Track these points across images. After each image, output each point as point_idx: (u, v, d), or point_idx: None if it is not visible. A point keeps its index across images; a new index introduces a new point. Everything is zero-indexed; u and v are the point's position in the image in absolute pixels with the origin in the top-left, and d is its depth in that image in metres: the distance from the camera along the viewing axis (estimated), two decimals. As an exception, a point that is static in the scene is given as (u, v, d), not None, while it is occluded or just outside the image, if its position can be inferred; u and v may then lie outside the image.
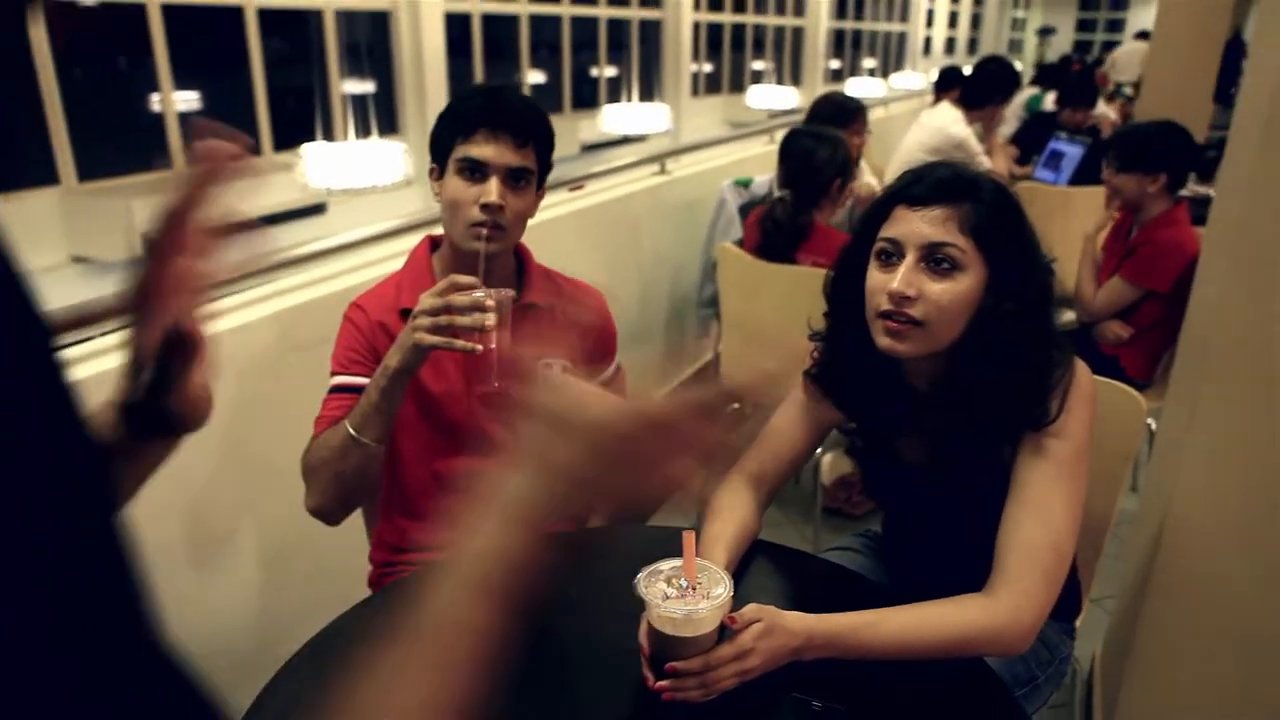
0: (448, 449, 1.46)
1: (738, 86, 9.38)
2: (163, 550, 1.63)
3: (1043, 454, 1.13)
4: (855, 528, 1.62)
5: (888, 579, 1.46)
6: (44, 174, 4.90)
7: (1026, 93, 6.45)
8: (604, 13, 8.39)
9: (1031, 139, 4.77)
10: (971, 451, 1.21)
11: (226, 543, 1.76)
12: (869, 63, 11.34)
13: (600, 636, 1.11)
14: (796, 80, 9.89)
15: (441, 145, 1.40)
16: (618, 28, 8.50)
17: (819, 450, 2.29)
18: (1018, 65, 4.86)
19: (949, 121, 3.68)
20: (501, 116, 1.35)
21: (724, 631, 1.00)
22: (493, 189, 1.34)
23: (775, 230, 2.36)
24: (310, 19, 6.35)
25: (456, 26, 7.27)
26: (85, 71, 5.81)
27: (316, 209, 5.63)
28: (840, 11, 10.45)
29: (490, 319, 1.17)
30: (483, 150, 1.35)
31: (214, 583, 1.74)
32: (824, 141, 2.38)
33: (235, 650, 1.78)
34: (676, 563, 1.01)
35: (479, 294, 1.18)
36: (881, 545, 1.54)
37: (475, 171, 1.36)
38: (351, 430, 1.27)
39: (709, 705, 0.97)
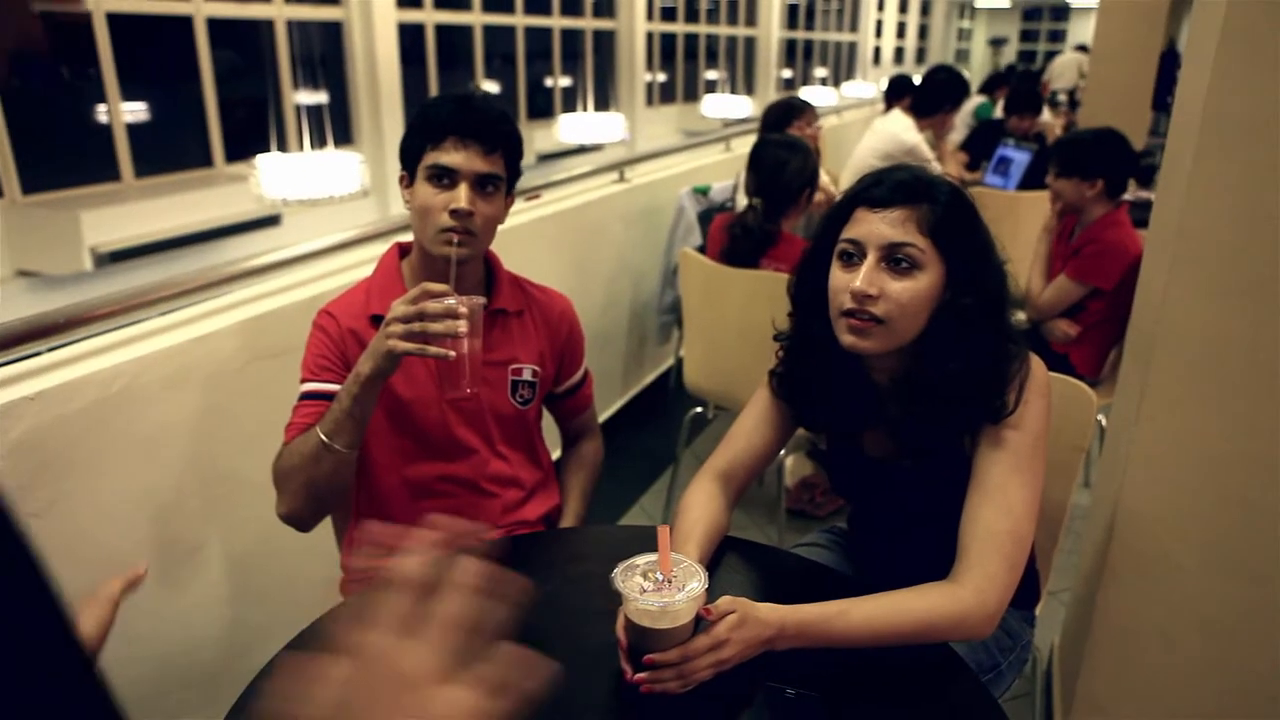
0: (419, 455, 1.47)
1: (692, 96, 9.47)
2: (128, 562, 1.61)
3: (1001, 445, 1.17)
4: (819, 528, 1.66)
5: (854, 574, 1.49)
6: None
7: (975, 101, 6.60)
8: (558, 23, 8.42)
9: (980, 145, 4.89)
10: (933, 444, 1.25)
11: (194, 554, 1.74)
12: (820, 72, 11.52)
13: (577, 632, 1.13)
14: (750, 89, 10.02)
15: (411, 152, 1.41)
16: (572, 37, 8.54)
17: (781, 453, 2.33)
18: (966, 73, 4.98)
19: (901, 129, 3.76)
20: (470, 124, 1.36)
21: (700, 624, 1.02)
22: (462, 195, 1.36)
23: (744, 236, 2.40)
24: (261, 29, 6.29)
25: (410, 36, 7.25)
26: (29, 82, 5.70)
27: (271, 220, 5.58)
28: (791, 21, 10.61)
29: (463, 325, 1.18)
30: (452, 157, 1.36)
31: (183, 594, 1.72)
32: (795, 151, 2.42)
33: (205, 662, 1.76)
34: (652, 557, 1.03)
35: (451, 301, 1.19)
36: (847, 540, 1.57)
37: (444, 178, 1.37)
38: (323, 436, 1.27)
39: (686, 696, 0.99)
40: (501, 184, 1.41)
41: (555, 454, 1.75)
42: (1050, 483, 1.54)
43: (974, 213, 1.21)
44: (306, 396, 1.40)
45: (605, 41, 8.23)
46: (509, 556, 1.37)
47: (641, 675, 0.99)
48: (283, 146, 6.00)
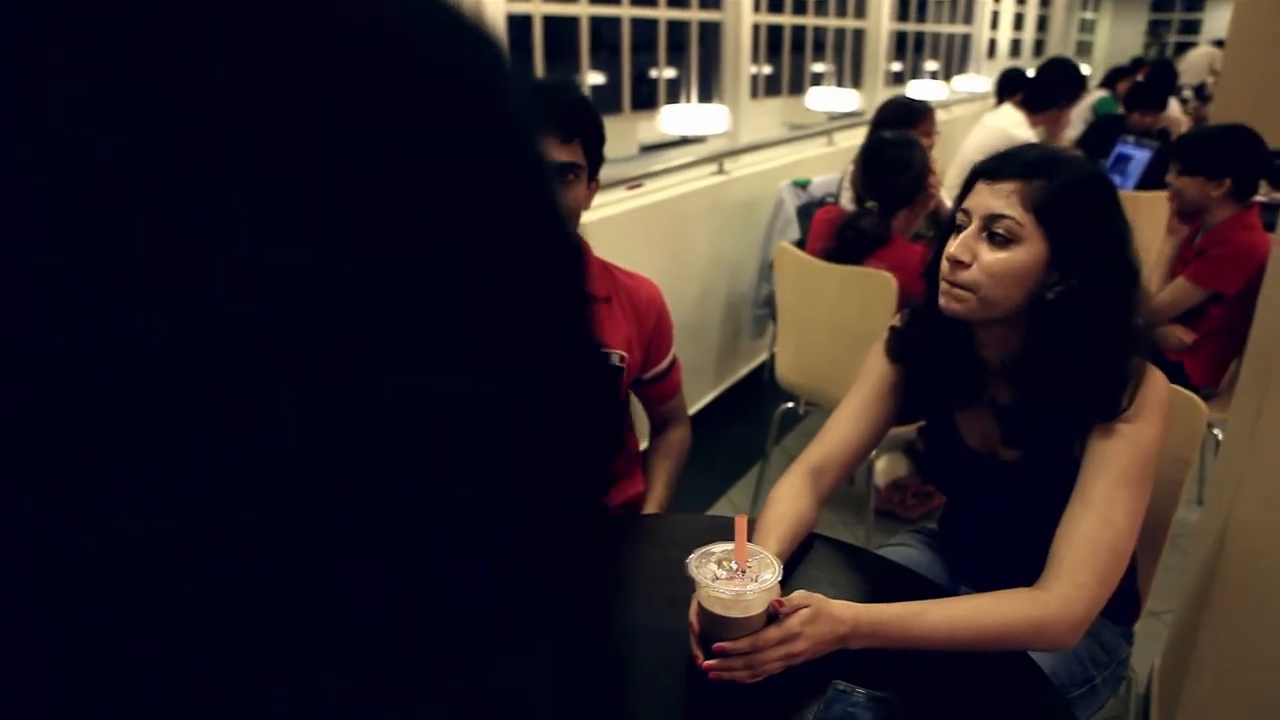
0: None
1: (797, 89, 9.35)
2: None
3: (1111, 455, 1.13)
4: (907, 529, 1.63)
5: (943, 574, 1.46)
6: None
7: (1095, 95, 6.32)
8: (664, 14, 8.43)
9: (1097, 142, 4.68)
10: (1036, 436, 1.22)
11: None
12: (931, 65, 11.22)
13: (652, 615, 1.14)
14: (857, 83, 9.82)
15: None
16: (677, 29, 8.54)
17: (873, 452, 2.29)
18: (1085, 68, 4.77)
19: (1011, 123, 3.63)
20: (547, 114, 1.36)
21: (773, 617, 1.01)
22: None
23: (857, 239, 2.34)
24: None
25: (518, 28, 7.37)
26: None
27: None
28: (902, 13, 10.36)
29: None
30: None
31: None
32: (913, 150, 2.36)
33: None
34: (728, 546, 1.03)
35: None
36: (937, 541, 1.54)
37: None
38: None
39: (754, 687, 0.99)
40: (581, 171, 1.41)
41: (644, 445, 1.76)
42: (1154, 495, 1.47)
43: (1104, 200, 1.18)
44: None
45: (711, 33, 8.21)
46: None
47: (711, 662, 0.99)
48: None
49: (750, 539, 1.22)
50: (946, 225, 1.25)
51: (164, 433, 0.23)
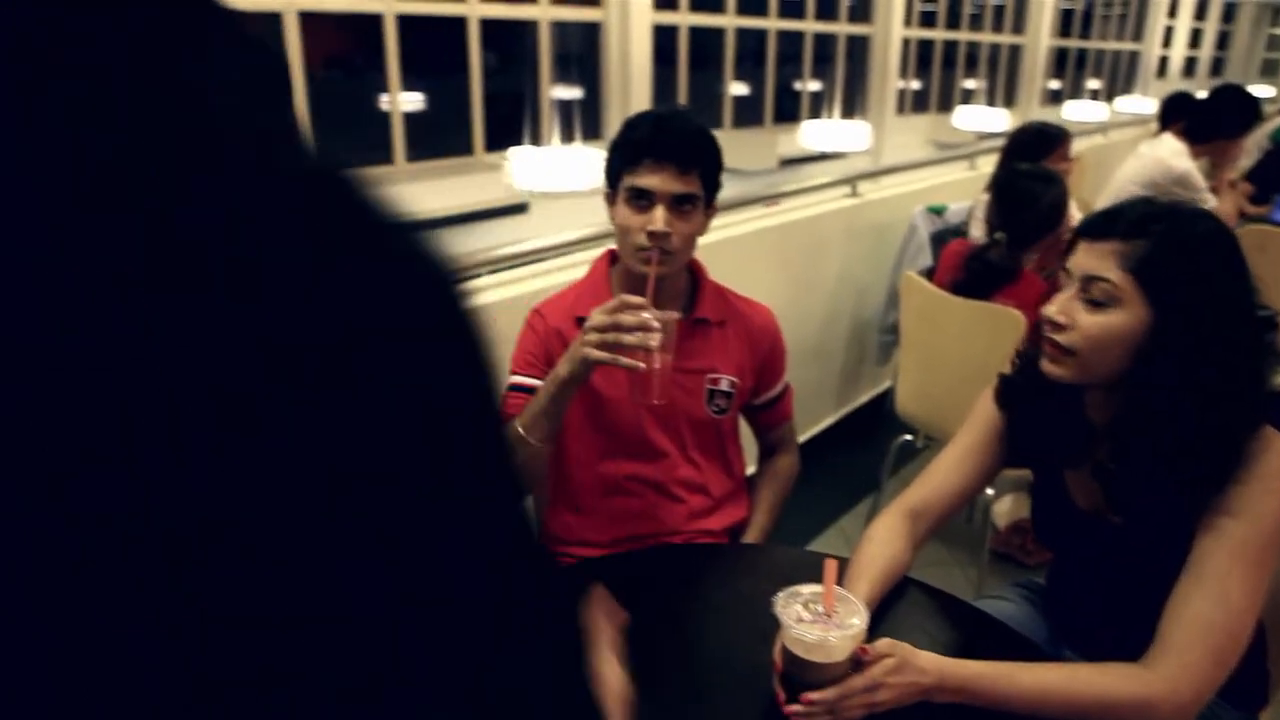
0: (612, 452, 1.53)
1: (946, 105, 9.07)
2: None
3: (1228, 529, 1.07)
4: (1023, 577, 1.57)
5: (1045, 634, 1.41)
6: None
7: (1275, 122, 5.86)
8: (811, 27, 8.33)
9: (1272, 175, 4.35)
10: (1143, 503, 1.16)
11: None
12: (1093, 84, 10.67)
13: (739, 646, 1.15)
14: (1010, 101, 9.44)
15: (612, 172, 1.46)
16: (824, 42, 8.44)
17: (991, 491, 2.22)
18: (1270, 90, 4.42)
19: (1169, 154, 3.42)
20: (665, 146, 1.39)
21: (857, 664, 1.01)
22: (658, 217, 1.40)
23: (983, 271, 2.28)
24: (526, 29, 6.70)
25: (664, 36, 7.45)
26: (327, 74, 6.40)
27: (519, 208, 5.95)
28: (1064, 29, 9.90)
29: (654, 339, 1.23)
30: (648, 179, 1.40)
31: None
32: (1049, 184, 2.28)
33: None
34: (817, 588, 1.03)
35: (646, 315, 1.24)
36: (1042, 598, 1.48)
37: (642, 199, 1.41)
38: (520, 429, 1.37)
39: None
40: (699, 201, 1.44)
41: (751, 469, 1.76)
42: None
43: (1216, 259, 1.10)
44: (511, 389, 1.50)
45: (859, 46, 8.07)
46: (688, 564, 1.41)
47: (794, 707, 0.99)
48: (536, 139, 6.38)
49: (841, 579, 1.22)
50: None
51: (164, 433, 0.23)
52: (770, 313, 1.64)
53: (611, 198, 1.48)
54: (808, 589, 1.04)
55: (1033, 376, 1.25)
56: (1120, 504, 1.20)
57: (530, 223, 5.89)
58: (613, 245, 1.56)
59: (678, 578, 1.35)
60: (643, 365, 1.24)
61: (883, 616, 1.22)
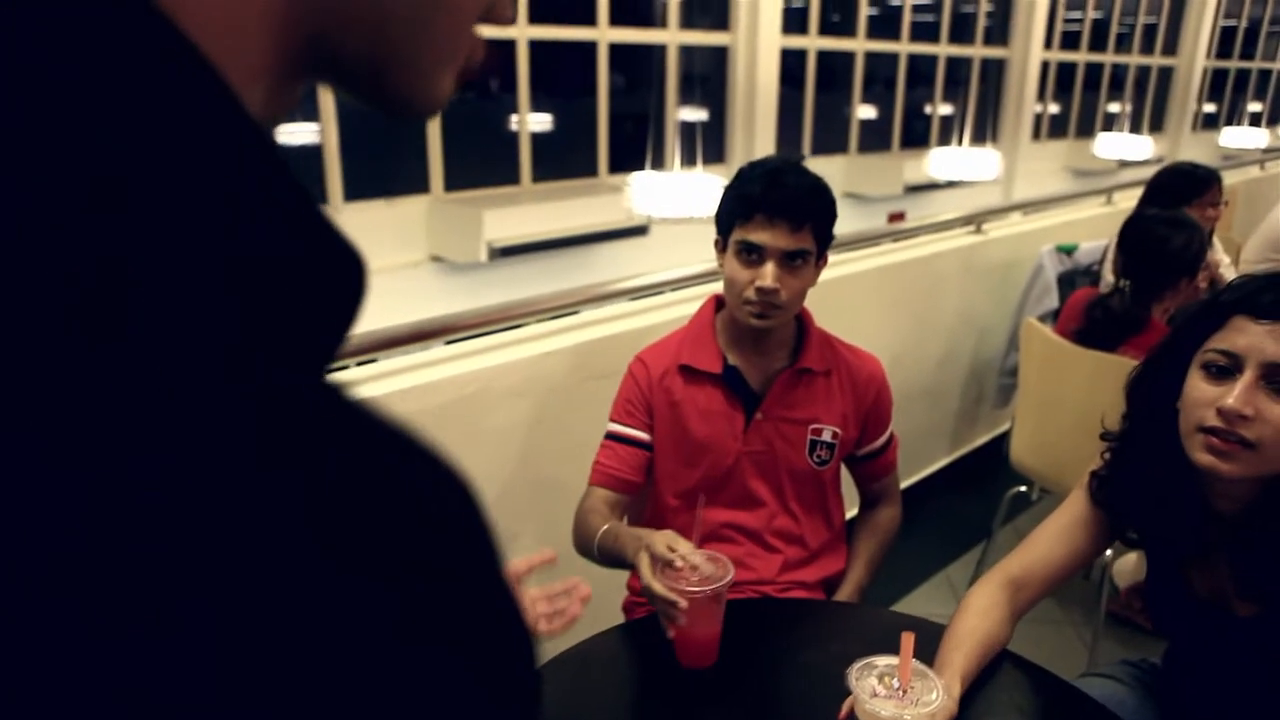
0: (711, 499, 1.53)
1: (1086, 130, 8.69)
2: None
3: None
4: (1143, 644, 1.49)
5: (1156, 721, 1.33)
6: (418, 183, 5.70)
7: None
8: (944, 50, 8.15)
9: None
10: (1278, 592, 1.09)
11: (510, 542, 1.97)
12: (1254, 107, 10.01)
13: (818, 710, 1.13)
14: (1158, 126, 8.97)
15: (723, 223, 1.46)
16: (958, 65, 8.22)
17: (1109, 552, 2.11)
18: None
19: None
20: (779, 202, 1.38)
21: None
22: (768, 273, 1.39)
23: (1105, 320, 2.18)
24: (654, 52, 6.80)
25: (792, 58, 7.43)
26: (465, 94, 6.65)
27: (640, 230, 6.02)
28: (1224, 47, 9.33)
29: (681, 619, 1.15)
30: (759, 235, 1.39)
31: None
32: (1179, 229, 2.14)
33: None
34: (893, 660, 1.01)
35: (684, 581, 1.17)
36: (1156, 681, 1.40)
37: (752, 253, 1.41)
38: (597, 546, 1.41)
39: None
40: (810, 256, 1.43)
41: (852, 512, 1.73)
42: None
43: None
44: (610, 436, 1.53)
45: (994, 70, 7.84)
46: (779, 618, 1.40)
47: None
48: (660, 161, 6.45)
49: (935, 648, 1.18)
50: (1169, 355, 1.14)
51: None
52: (878, 362, 1.61)
53: (722, 245, 1.48)
54: (883, 661, 1.02)
55: (1134, 469, 1.19)
56: (1253, 594, 1.12)
57: (649, 244, 5.96)
58: (719, 289, 1.56)
59: (766, 632, 1.34)
60: (670, 633, 1.18)
61: (977, 693, 1.18)
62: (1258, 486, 1.08)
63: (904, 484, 3.07)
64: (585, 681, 1.25)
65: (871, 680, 1.00)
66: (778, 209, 1.38)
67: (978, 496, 3.11)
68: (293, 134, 5.56)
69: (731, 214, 1.44)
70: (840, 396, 1.56)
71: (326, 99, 5.14)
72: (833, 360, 1.57)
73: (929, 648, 1.17)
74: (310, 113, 5.26)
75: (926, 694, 0.98)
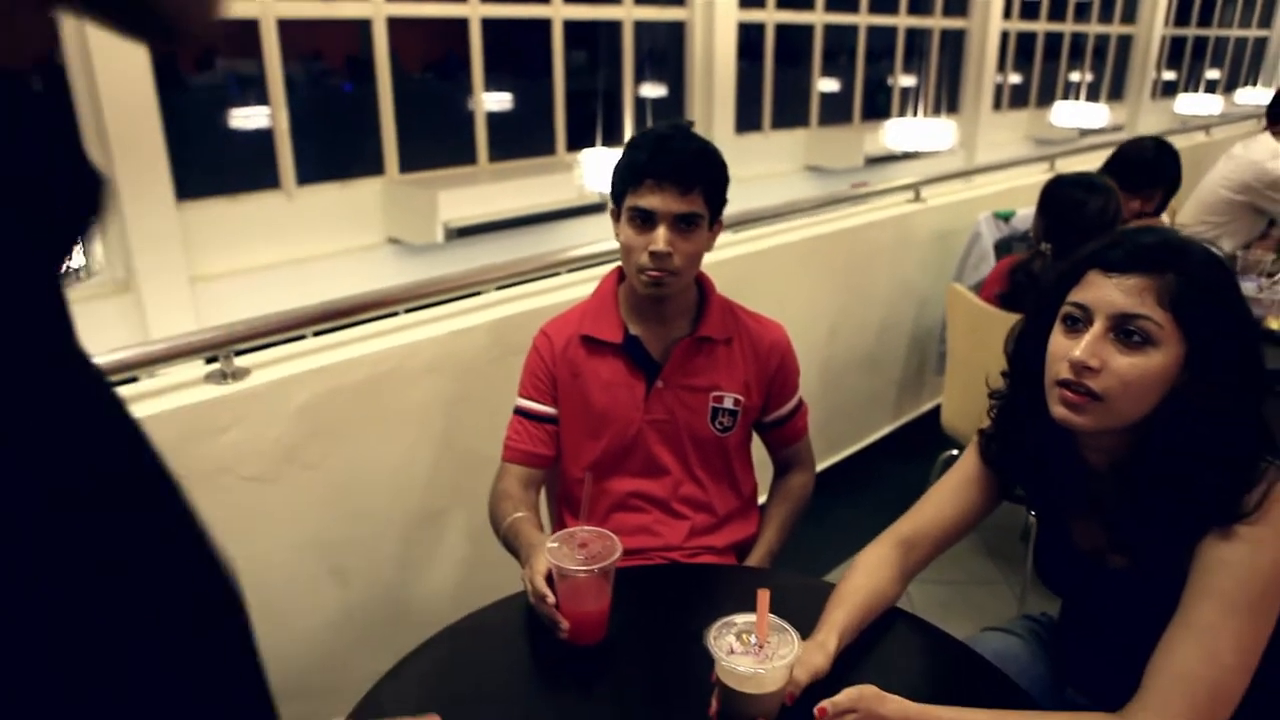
0: (614, 468, 1.54)
1: (1047, 99, 8.71)
2: (385, 518, 1.87)
3: (1221, 577, 1.00)
4: (1026, 614, 1.51)
5: (1047, 673, 1.35)
6: (373, 165, 5.64)
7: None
8: (903, 22, 8.13)
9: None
10: (1150, 546, 1.10)
11: (437, 519, 1.97)
12: (1212, 74, 10.07)
13: (702, 668, 1.13)
14: (1118, 94, 9.00)
15: (616, 191, 1.47)
16: (918, 37, 8.21)
17: (1034, 514, 2.13)
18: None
19: (1266, 155, 3.20)
20: (665, 167, 1.38)
21: (808, 712, 0.98)
22: (660, 237, 1.40)
23: (1028, 284, 2.20)
24: (610, 29, 6.75)
25: (750, 32, 7.39)
26: (415, 76, 6.58)
27: (598, 208, 6.01)
28: (1181, 16, 9.36)
29: (563, 624, 1.16)
30: (649, 200, 1.40)
31: (423, 552, 1.96)
32: (1095, 192, 2.16)
33: (436, 610, 1.99)
34: (751, 618, 1.01)
35: (577, 565, 1.17)
36: (1051, 634, 1.42)
37: (645, 220, 1.41)
38: (501, 538, 1.44)
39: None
40: (702, 220, 1.43)
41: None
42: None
43: (1232, 287, 1.05)
44: (518, 411, 1.54)
45: (954, 40, 7.83)
46: (682, 583, 1.40)
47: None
48: (618, 138, 6.42)
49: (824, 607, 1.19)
50: (1039, 314, 1.14)
51: None
52: (781, 329, 1.61)
53: (617, 215, 1.49)
54: (742, 618, 1.02)
55: (1018, 427, 1.19)
56: (1123, 546, 1.14)
57: (607, 222, 5.95)
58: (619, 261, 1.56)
59: (671, 598, 1.35)
60: (564, 627, 1.17)
61: (869, 651, 1.19)
62: (1124, 440, 1.08)
63: (845, 452, 3.10)
64: (477, 653, 1.25)
65: (730, 638, 1.00)
66: (665, 173, 1.39)
67: (921, 463, 3.14)
68: (245, 119, 5.49)
69: (623, 181, 1.44)
70: (742, 363, 1.56)
71: (275, 81, 5.06)
72: (734, 328, 1.57)
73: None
74: (260, 97, 5.18)
75: (783, 648, 0.98)
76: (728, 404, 1.54)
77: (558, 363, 1.52)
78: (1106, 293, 1.04)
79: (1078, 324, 1.07)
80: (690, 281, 1.51)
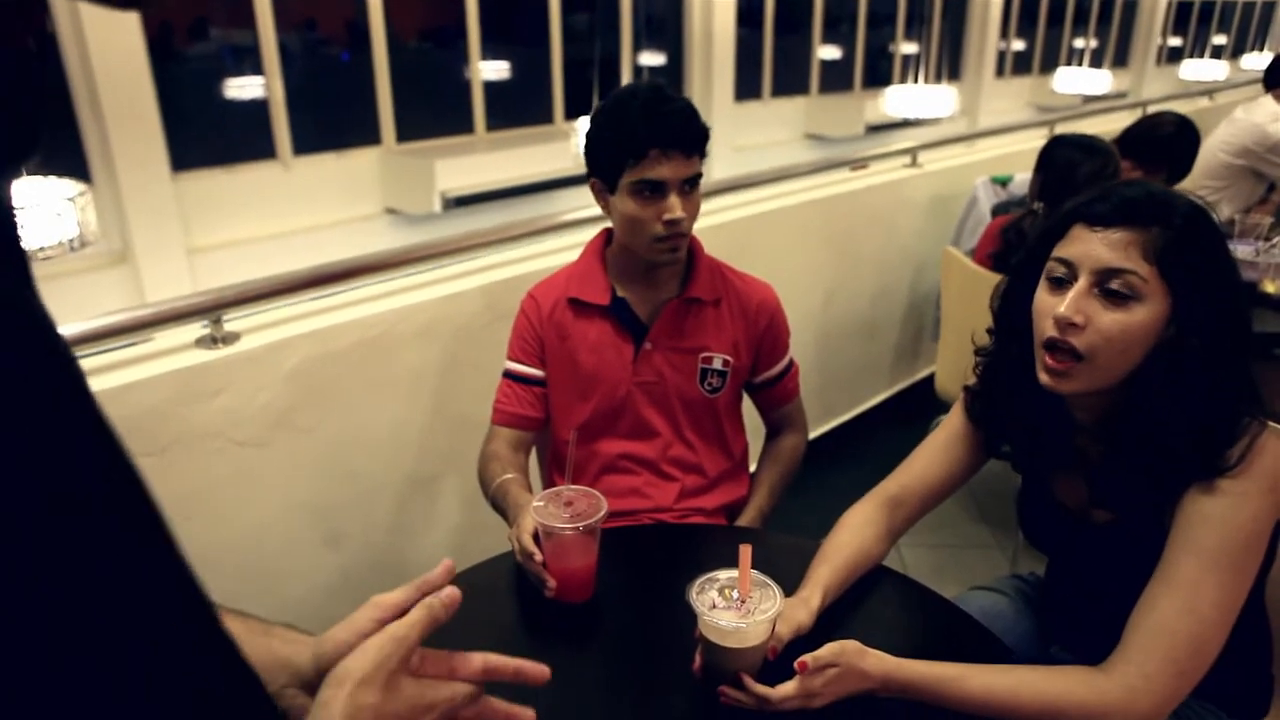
0: (604, 430, 1.54)
1: (1051, 65, 8.61)
2: (378, 482, 1.88)
3: (1202, 532, 1.00)
4: (1012, 573, 1.51)
5: (1032, 631, 1.36)
6: (370, 135, 5.60)
7: None
8: (903, -14, 8.01)
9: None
10: (1133, 501, 1.10)
11: (431, 483, 1.98)
12: (1219, 39, 9.94)
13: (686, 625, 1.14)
14: (1122, 60, 8.89)
15: (610, 167, 1.41)
16: (920, 3, 8.10)
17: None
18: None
19: (1267, 119, 3.17)
20: (669, 135, 1.36)
21: (790, 666, 0.99)
22: (675, 205, 1.38)
23: (1019, 243, 2.19)
24: (610, -6, 6.66)
25: (750, 1, 7.29)
26: (411, 45, 6.52)
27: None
28: (1189, -20, 9.22)
29: (550, 581, 1.18)
30: (659, 171, 1.36)
31: (416, 516, 1.97)
32: (1093, 154, 2.15)
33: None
34: (734, 573, 1.02)
35: (563, 523, 1.17)
36: (1037, 592, 1.43)
37: (654, 190, 1.38)
38: (490, 498, 1.44)
39: (761, 716, 0.99)
40: (699, 178, 1.43)
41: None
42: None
43: (1218, 240, 1.04)
44: (508, 375, 1.54)
45: (956, 6, 7.73)
46: (668, 542, 1.41)
47: (725, 688, 0.99)
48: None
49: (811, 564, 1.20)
50: (1025, 270, 1.13)
51: None
52: (769, 289, 1.61)
53: (605, 189, 1.44)
54: (725, 574, 1.03)
55: (1001, 385, 1.19)
56: (1106, 501, 1.14)
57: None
58: (608, 224, 1.55)
59: (653, 557, 1.36)
60: (550, 585, 1.18)
61: (856, 608, 1.20)
62: (1109, 397, 1.08)
63: (841, 419, 3.10)
64: (464, 612, 1.25)
65: (712, 594, 1.01)
66: (670, 141, 1.35)
67: (918, 431, 3.14)
68: (240, 88, 5.45)
69: (619, 155, 1.39)
70: (730, 324, 1.55)
71: (270, 51, 5.02)
72: (722, 288, 1.56)
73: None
74: (255, 66, 5.14)
75: (765, 602, 0.99)
76: (716, 365, 1.54)
77: (545, 325, 1.52)
78: (1091, 247, 1.04)
79: (1063, 281, 1.06)
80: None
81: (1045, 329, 1.06)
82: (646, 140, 1.35)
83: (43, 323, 0.29)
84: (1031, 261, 1.13)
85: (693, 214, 1.43)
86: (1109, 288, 1.02)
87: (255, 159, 5.09)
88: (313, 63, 6.09)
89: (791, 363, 1.66)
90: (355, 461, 1.83)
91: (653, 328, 1.51)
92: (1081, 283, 1.04)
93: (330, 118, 5.82)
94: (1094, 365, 1.04)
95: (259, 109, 5.18)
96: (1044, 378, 1.07)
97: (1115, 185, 1.08)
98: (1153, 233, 1.01)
